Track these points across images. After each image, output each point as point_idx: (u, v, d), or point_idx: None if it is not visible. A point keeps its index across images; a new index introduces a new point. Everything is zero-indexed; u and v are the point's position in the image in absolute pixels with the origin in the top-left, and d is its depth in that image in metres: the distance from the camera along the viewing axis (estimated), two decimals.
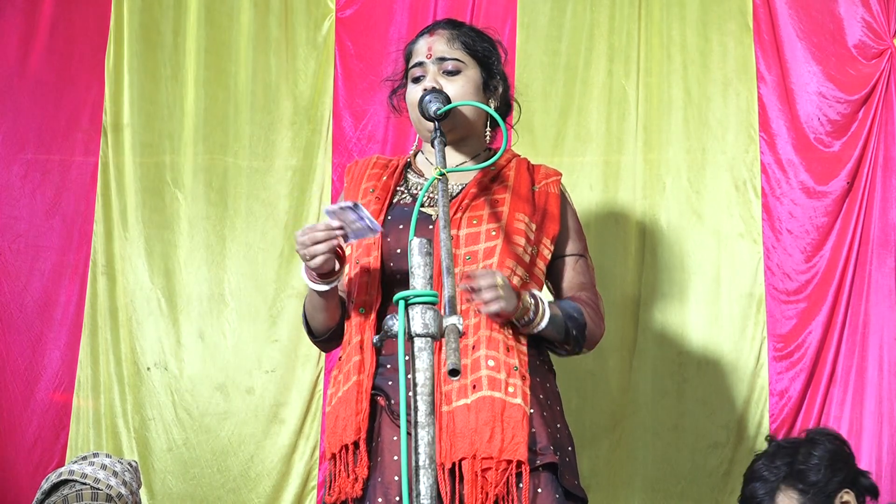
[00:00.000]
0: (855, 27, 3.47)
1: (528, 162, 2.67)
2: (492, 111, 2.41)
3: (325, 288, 2.45)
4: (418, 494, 1.72)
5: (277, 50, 3.72)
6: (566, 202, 2.64)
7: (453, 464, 2.35)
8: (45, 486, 2.66)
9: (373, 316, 2.47)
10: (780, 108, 3.51)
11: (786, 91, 3.50)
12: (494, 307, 2.33)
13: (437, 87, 2.54)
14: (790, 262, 3.46)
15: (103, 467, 2.67)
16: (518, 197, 2.55)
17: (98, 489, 2.62)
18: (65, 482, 2.64)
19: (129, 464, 2.76)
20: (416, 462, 1.73)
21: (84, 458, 2.72)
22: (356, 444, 2.40)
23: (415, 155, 2.71)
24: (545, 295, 2.54)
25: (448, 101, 2.49)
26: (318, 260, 2.37)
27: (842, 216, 3.44)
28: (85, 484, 2.62)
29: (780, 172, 3.49)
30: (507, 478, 2.34)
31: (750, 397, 3.43)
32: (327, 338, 2.60)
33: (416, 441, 1.74)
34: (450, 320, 1.80)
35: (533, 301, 2.43)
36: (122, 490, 2.65)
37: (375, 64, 3.64)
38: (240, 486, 3.53)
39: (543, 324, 2.44)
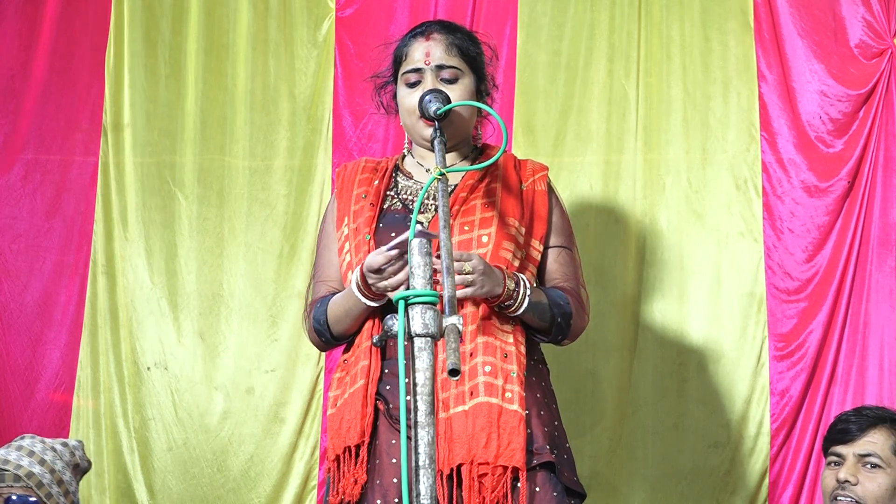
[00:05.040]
0: (856, 26, 3.46)
1: (515, 158, 2.68)
2: (495, 113, 2.42)
3: (380, 303, 2.46)
4: (418, 494, 1.72)
5: (277, 50, 3.71)
6: (553, 197, 2.65)
7: (451, 469, 2.36)
8: None
9: (378, 321, 2.50)
10: (781, 106, 3.50)
11: (787, 90, 3.50)
12: (466, 291, 2.35)
13: (436, 86, 2.54)
14: (791, 262, 3.45)
15: (19, 448, 2.67)
16: (507, 199, 2.56)
17: (5, 470, 2.61)
18: None
19: (64, 443, 2.74)
20: (416, 462, 1.73)
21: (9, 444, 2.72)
22: (358, 447, 2.42)
23: (402, 158, 2.71)
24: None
25: (448, 100, 2.49)
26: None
27: (842, 215, 3.43)
28: None
29: (782, 171, 3.49)
30: (504, 482, 2.35)
31: (751, 397, 3.42)
32: (338, 343, 2.61)
33: (416, 441, 1.74)
34: (450, 320, 1.80)
35: (515, 286, 2.44)
36: (36, 469, 2.64)
37: (376, 63, 3.63)
38: (240, 486, 3.53)
39: (522, 309, 2.45)
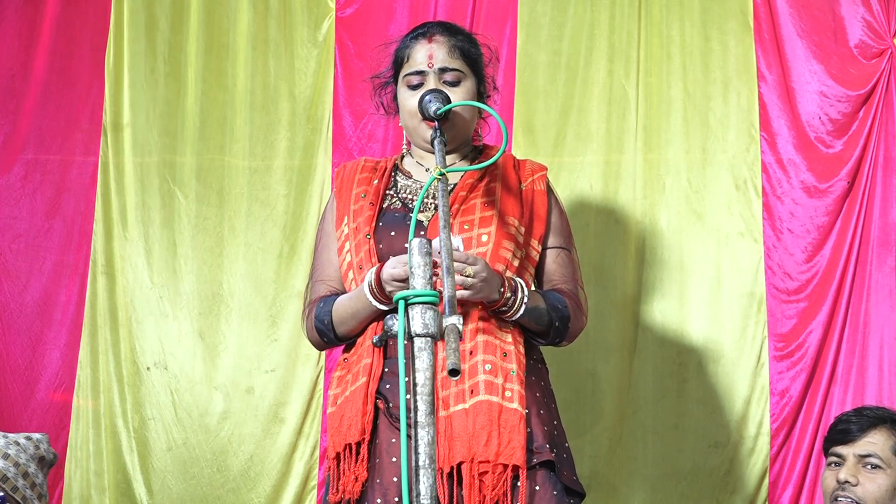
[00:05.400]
0: (855, 26, 3.47)
1: (514, 158, 2.69)
2: (494, 113, 2.42)
3: (391, 307, 2.45)
4: (418, 494, 1.72)
5: (277, 50, 3.71)
6: (552, 198, 2.66)
7: (451, 467, 2.36)
8: None
9: (380, 321, 2.49)
10: (781, 107, 3.51)
11: (786, 90, 3.50)
12: (462, 293, 2.35)
13: (438, 87, 2.55)
14: (791, 262, 3.45)
15: None
16: (507, 199, 2.56)
17: None
18: None
19: (28, 437, 2.74)
20: (416, 462, 1.73)
21: None
22: (359, 445, 2.42)
23: (401, 158, 2.71)
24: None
25: (447, 100, 2.50)
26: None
27: (842, 216, 3.43)
28: None
29: (781, 172, 3.49)
30: (504, 481, 2.35)
31: (751, 397, 3.42)
32: (339, 343, 2.61)
33: (416, 441, 1.74)
34: (450, 320, 1.80)
35: (512, 293, 2.44)
36: (0, 463, 2.64)
37: (376, 63, 3.63)
38: (240, 486, 3.53)
39: (517, 316, 2.46)
